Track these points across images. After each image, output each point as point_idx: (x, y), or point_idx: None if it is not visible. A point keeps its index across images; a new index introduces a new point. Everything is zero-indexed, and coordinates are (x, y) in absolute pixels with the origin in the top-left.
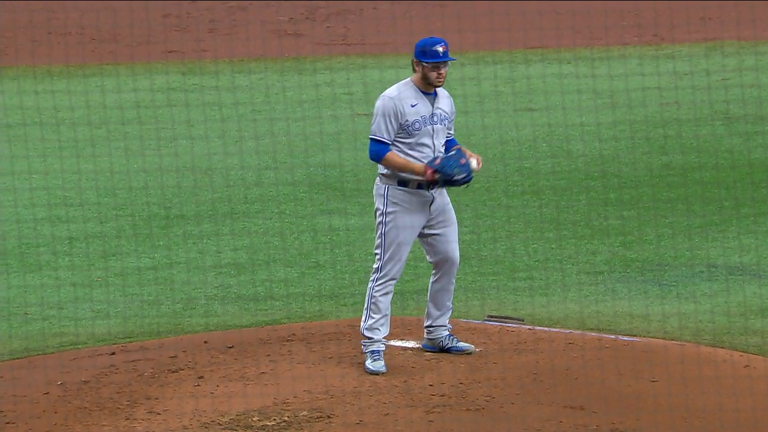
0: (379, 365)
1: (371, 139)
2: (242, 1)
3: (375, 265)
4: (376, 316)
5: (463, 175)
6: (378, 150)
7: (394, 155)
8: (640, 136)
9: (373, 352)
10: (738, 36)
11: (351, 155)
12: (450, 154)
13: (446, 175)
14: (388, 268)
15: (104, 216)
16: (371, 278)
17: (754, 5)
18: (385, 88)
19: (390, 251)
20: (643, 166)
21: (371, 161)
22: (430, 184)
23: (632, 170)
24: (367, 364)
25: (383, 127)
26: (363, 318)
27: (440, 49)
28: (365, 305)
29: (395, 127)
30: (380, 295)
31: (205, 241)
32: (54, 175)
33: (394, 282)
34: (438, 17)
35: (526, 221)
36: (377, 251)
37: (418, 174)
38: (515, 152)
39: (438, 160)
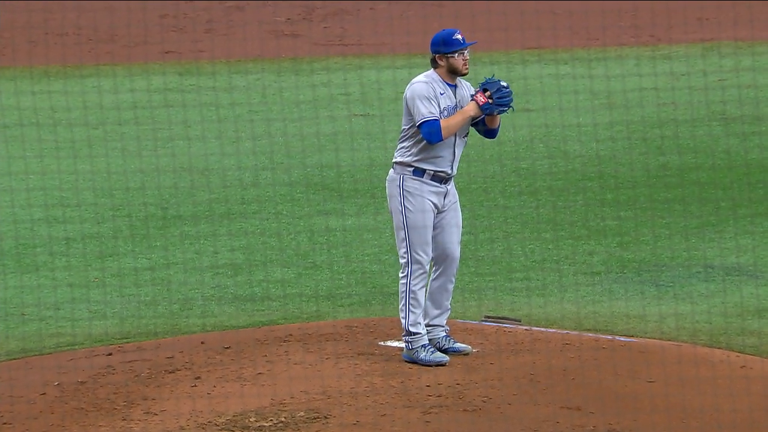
0: (440, 355)
1: (421, 124)
2: (239, 2)
3: (403, 261)
4: (417, 311)
5: (505, 83)
6: (431, 127)
7: (445, 120)
8: (637, 137)
9: (424, 346)
10: (735, 36)
11: (348, 156)
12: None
13: (494, 86)
14: (418, 255)
15: (101, 216)
16: (403, 274)
17: (752, 5)
18: (383, 89)
19: (416, 237)
20: (640, 167)
21: (430, 141)
22: (486, 111)
23: (629, 171)
24: (423, 358)
25: (426, 106)
26: (403, 315)
27: (460, 37)
28: (403, 303)
29: (435, 104)
30: (418, 289)
31: (202, 241)
32: (51, 176)
33: (426, 270)
34: (435, 17)
35: (523, 222)
36: (402, 245)
37: (473, 111)
38: (512, 153)
39: (478, 88)
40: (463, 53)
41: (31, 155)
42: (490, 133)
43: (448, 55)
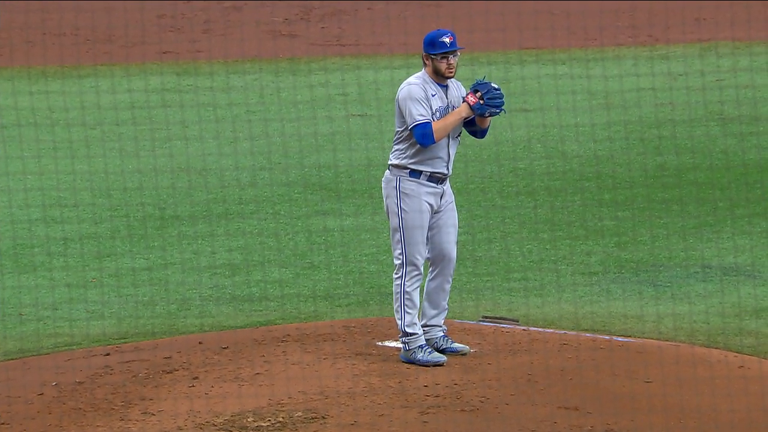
0: (438, 355)
1: (414, 127)
2: (237, 2)
3: (398, 262)
4: (413, 312)
5: (497, 85)
6: (424, 130)
7: (437, 123)
8: (635, 137)
9: (421, 346)
10: (732, 37)
11: (346, 156)
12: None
13: (485, 87)
14: (413, 256)
15: (99, 217)
16: (397, 275)
17: (750, 6)
18: (380, 89)
19: (411, 238)
20: (638, 167)
21: (421, 145)
22: (478, 112)
23: (627, 171)
24: (421, 358)
25: (417, 109)
26: (399, 317)
27: (447, 40)
28: (398, 304)
29: (427, 106)
30: (412, 290)
31: (199, 241)
32: (49, 176)
33: (421, 271)
34: (433, 17)
35: (520, 222)
36: (397, 246)
37: (465, 111)
38: (510, 153)
39: (469, 89)
40: (448, 57)
41: (28, 155)
42: (479, 133)
43: (433, 56)
